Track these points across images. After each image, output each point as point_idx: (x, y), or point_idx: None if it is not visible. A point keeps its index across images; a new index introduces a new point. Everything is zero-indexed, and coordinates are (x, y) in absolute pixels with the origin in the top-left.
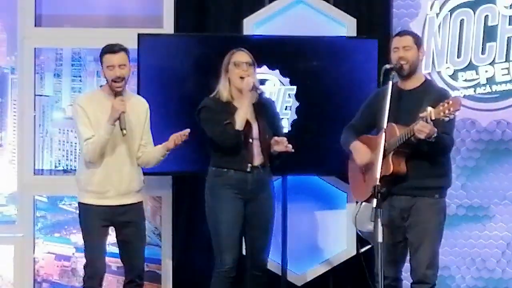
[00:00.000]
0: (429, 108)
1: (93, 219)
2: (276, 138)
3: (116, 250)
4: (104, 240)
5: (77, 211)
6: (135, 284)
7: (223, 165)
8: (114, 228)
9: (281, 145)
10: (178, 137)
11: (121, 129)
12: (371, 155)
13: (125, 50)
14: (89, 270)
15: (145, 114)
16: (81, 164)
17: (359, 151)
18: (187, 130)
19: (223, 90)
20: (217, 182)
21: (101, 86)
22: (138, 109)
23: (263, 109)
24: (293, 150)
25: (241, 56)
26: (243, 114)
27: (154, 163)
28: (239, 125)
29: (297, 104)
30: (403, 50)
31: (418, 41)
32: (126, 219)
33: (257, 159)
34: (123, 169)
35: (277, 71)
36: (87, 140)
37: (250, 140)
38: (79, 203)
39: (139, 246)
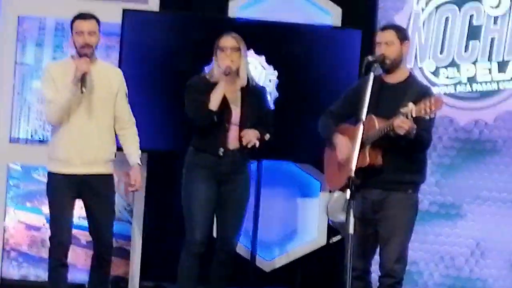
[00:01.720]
0: (411, 105)
1: (59, 189)
2: (243, 131)
3: (85, 223)
4: (70, 211)
5: None
6: (102, 258)
7: (200, 146)
8: (83, 201)
9: (248, 136)
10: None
11: (80, 87)
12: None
13: (96, 18)
14: (54, 241)
15: (117, 83)
16: (50, 132)
17: (342, 145)
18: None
19: (213, 72)
20: (193, 161)
21: (72, 56)
22: (110, 77)
23: (251, 95)
24: (251, 144)
25: (226, 41)
26: (216, 95)
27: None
28: (212, 105)
29: (277, 90)
30: (385, 45)
31: (401, 35)
32: (93, 191)
33: (233, 144)
34: (89, 137)
35: (263, 57)
36: (49, 102)
37: (227, 125)
38: (48, 173)
39: (107, 220)
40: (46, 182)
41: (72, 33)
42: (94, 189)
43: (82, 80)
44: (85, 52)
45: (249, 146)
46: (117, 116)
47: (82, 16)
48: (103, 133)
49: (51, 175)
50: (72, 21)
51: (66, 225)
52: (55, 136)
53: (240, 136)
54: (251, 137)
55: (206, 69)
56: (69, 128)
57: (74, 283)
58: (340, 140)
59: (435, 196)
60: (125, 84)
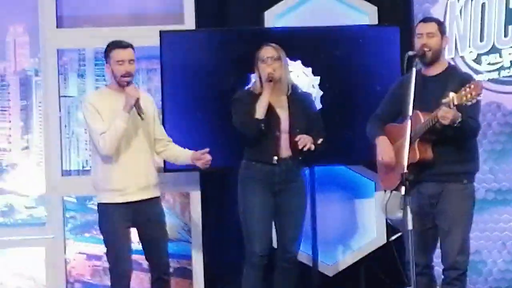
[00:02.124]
0: (451, 94)
1: (115, 219)
2: (298, 136)
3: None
4: (128, 239)
5: None
6: (161, 280)
7: (251, 157)
8: (136, 229)
9: (302, 142)
10: (203, 158)
11: (139, 114)
12: (395, 147)
13: (132, 46)
14: (115, 272)
15: (152, 108)
16: (95, 164)
17: (382, 149)
18: (206, 149)
19: (256, 84)
20: (246, 174)
21: (106, 85)
22: (146, 103)
23: (297, 102)
24: (307, 148)
25: (266, 51)
26: (261, 103)
27: (177, 163)
28: (258, 113)
29: (321, 94)
30: (427, 36)
31: (442, 28)
32: (146, 217)
33: (285, 152)
34: (140, 163)
35: (298, 61)
36: (103, 133)
37: (277, 133)
38: (99, 205)
39: (162, 242)
40: (99, 214)
41: (108, 61)
42: (146, 214)
43: (137, 106)
44: (126, 80)
45: (305, 149)
46: (158, 139)
47: (120, 45)
48: (149, 158)
49: (104, 206)
50: (109, 50)
51: (126, 254)
52: (105, 167)
53: (292, 143)
54: (307, 141)
55: (252, 77)
56: (121, 157)
57: None
58: (380, 143)
59: (490, 183)
60: (157, 110)
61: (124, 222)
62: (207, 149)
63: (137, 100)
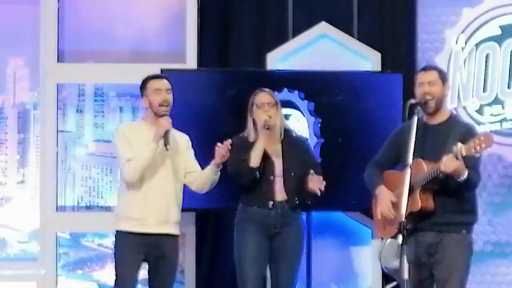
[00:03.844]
0: (460, 144)
1: (129, 248)
2: (312, 176)
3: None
4: (136, 272)
5: (99, 248)
6: None
7: (247, 202)
8: (148, 263)
9: (314, 182)
10: (224, 148)
11: (165, 145)
12: (395, 195)
13: (168, 79)
14: None
15: (186, 145)
16: (120, 193)
17: (382, 199)
18: (229, 141)
19: (250, 131)
20: (242, 218)
21: (143, 119)
22: (180, 140)
23: (292, 146)
24: (319, 192)
25: (263, 97)
26: (257, 151)
27: (209, 183)
28: (253, 162)
29: (321, 139)
30: (428, 85)
31: (443, 76)
32: (161, 253)
33: (280, 195)
34: (163, 196)
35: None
36: (129, 160)
37: (272, 177)
38: (116, 232)
39: (169, 282)
40: (115, 242)
41: (144, 93)
42: (161, 250)
43: (166, 137)
44: (164, 109)
45: (318, 193)
46: (188, 172)
47: (156, 76)
48: (174, 193)
49: (121, 235)
50: (145, 82)
51: (133, 285)
52: (127, 195)
53: (286, 186)
54: (319, 184)
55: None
56: (144, 187)
57: None
58: (381, 193)
59: (489, 235)
60: (192, 149)
61: (137, 253)
62: (229, 140)
63: (167, 131)
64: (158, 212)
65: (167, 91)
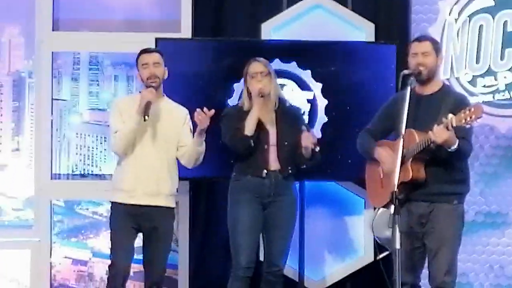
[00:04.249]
0: (450, 115)
1: (121, 219)
2: (305, 132)
3: (135, 255)
4: (130, 242)
5: (94, 216)
6: None
7: (241, 170)
8: (142, 234)
9: (307, 138)
10: (203, 115)
11: (143, 115)
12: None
13: (159, 52)
14: (113, 270)
15: (183, 120)
16: (116, 164)
17: (385, 157)
18: (212, 111)
19: (244, 100)
20: (236, 186)
21: (140, 91)
22: (176, 114)
23: (286, 116)
24: (313, 146)
25: (256, 67)
26: (251, 120)
27: (195, 156)
28: (247, 130)
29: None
30: (422, 55)
31: (437, 47)
32: (153, 224)
33: (274, 165)
34: (152, 169)
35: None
36: (115, 132)
37: (266, 146)
38: (111, 202)
39: (163, 253)
40: (110, 212)
41: (138, 69)
42: (154, 222)
43: (146, 108)
44: (152, 82)
45: (310, 147)
46: (180, 146)
47: (145, 50)
48: (166, 166)
49: (114, 205)
50: (137, 58)
51: (126, 255)
52: (120, 167)
53: (280, 156)
54: (310, 139)
55: (235, 87)
56: (134, 160)
57: None
58: (382, 153)
59: (481, 205)
60: (190, 122)
61: (129, 222)
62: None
63: (148, 103)
64: (147, 184)
65: (155, 65)
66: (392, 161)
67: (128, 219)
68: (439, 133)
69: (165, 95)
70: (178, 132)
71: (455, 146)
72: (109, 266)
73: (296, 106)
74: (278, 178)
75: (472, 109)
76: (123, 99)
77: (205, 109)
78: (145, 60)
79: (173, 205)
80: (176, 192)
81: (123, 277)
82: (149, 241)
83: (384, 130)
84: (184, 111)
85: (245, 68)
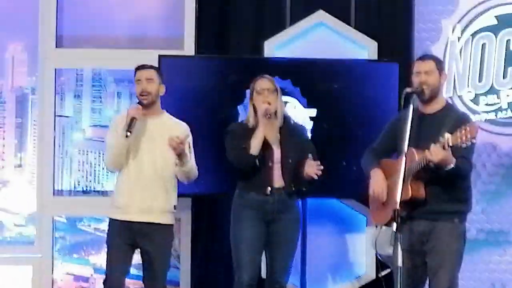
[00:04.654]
0: (447, 135)
1: (116, 235)
2: (309, 161)
3: (134, 271)
4: (125, 258)
5: (96, 232)
6: None
7: (245, 187)
8: (140, 249)
9: (311, 167)
10: (175, 140)
11: (126, 131)
12: (388, 182)
13: (155, 68)
14: (106, 286)
15: (180, 133)
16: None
17: (375, 180)
18: (182, 137)
19: (249, 116)
20: (239, 203)
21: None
22: (173, 130)
23: (290, 134)
24: (316, 176)
25: (263, 83)
26: (257, 139)
27: (184, 175)
28: (253, 150)
29: (317, 126)
30: (425, 74)
31: (440, 66)
32: (150, 240)
33: (278, 182)
34: (147, 186)
35: (298, 89)
36: (107, 147)
37: (270, 164)
38: (109, 219)
39: (162, 270)
40: (107, 228)
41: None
42: (151, 238)
43: (130, 125)
44: (143, 99)
45: (315, 177)
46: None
47: (140, 67)
48: (162, 183)
49: (111, 221)
50: (134, 75)
51: (120, 272)
52: (116, 183)
53: (284, 173)
54: (316, 169)
55: (239, 108)
56: (129, 176)
57: None
58: (374, 174)
59: (483, 224)
60: (190, 137)
61: (124, 239)
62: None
63: (133, 119)
64: (142, 201)
65: (148, 81)
66: (380, 186)
67: (124, 236)
68: (435, 152)
69: (165, 111)
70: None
71: (452, 165)
72: (104, 282)
73: (300, 124)
74: (282, 196)
75: (468, 128)
76: (120, 117)
77: (179, 136)
78: (138, 76)
79: (169, 222)
80: (174, 209)
81: None
82: (146, 257)
83: (388, 149)
84: (183, 127)
85: (252, 84)
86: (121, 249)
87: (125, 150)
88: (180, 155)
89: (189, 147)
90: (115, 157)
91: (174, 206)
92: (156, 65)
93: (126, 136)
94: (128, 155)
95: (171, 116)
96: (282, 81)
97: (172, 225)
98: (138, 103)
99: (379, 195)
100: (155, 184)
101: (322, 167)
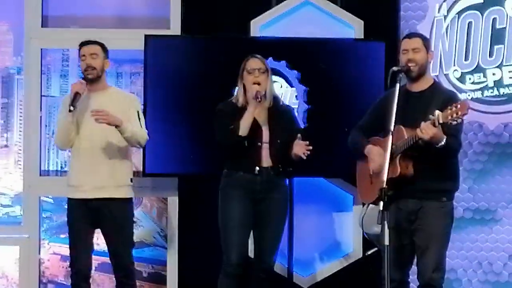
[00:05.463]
0: (437, 112)
1: (74, 215)
2: (298, 141)
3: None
4: (86, 237)
5: None
6: (122, 283)
7: (233, 167)
8: (100, 228)
9: (300, 147)
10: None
11: (69, 106)
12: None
13: (99, 44)
14: (72, 268)
15: (128, 105)
16: None
17: (374, 155)
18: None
19: (239, 95)
20: (227, 183)
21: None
22: (123, 103)
23: (278, 114)
24: (305, 156)
25: (254, 63)
26: (246, 121)
27: (131, 141)
28: (242, 131)
29: (304, 106)
30: (412, 52)
31: (427, 43)
32: (108, 216)
33: (266, 162)
34: (98, 162)
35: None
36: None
37: (259, 143)
38: (67, 199)
39: (125, 245)
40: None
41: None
42: (108, 215)
43: (74, 99)
44: (87, 74)
45: (303, 157)
46: None
47: (85, 42)
48: (113, 157)
49: (68, 201)
50: (79, 50)
51: (84, 251)
52: (70, 163)
53: (272, 153)
54: (304, 149)
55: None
56: (79, 154)
57: None
58: (371, 151)
59: (469, 202)
60: (139, 106)
61: (83, 218)
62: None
63: (77, 94)
64: (94, 178)
65: (92, 56)
66: (380, 160)
67: (81, 214)
68: (426, 130)
69: (113, 86)
70: (125, 119)
71: (443, 143)
72: (70, 264)
73: (289, 106)
74: (270, 175)
75: (458, 106)
76: (69, 94)
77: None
78: (83, 52)
79: (126, 195)
80: (131, 182)
81: (84, 275)
82: (107, 234)
83: (374, 127)
84: (131, 97)
85: (243, 63)
86: (82, 229)
87: (71, 126)
88: (116, 125)
89: (138, 116)
90: (60, 133)
91: (131, 179)
92: (143, 45)
93: (70, 111)
94: (77, 132)
95: (120, 90)
96: (272, 61)
97: (130, 198)
98: (83, 78)
99: (378, 171)
100: (105, 159)
101: (311, 147)
